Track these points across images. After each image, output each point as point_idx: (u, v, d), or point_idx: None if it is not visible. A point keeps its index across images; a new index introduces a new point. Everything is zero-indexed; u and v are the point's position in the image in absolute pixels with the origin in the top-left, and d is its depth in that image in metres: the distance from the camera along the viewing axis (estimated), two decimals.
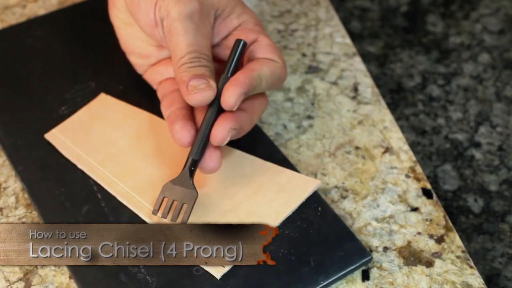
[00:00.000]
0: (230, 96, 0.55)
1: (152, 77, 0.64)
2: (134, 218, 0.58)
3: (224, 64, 0.60)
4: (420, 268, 0.57)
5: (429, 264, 0.58)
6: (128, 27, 0.64)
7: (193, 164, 0.56)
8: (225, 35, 0.61)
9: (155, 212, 0.57)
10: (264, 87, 0.58)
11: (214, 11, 0.59)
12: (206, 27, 0.58)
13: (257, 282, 0.55)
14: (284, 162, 0.62)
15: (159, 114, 0.65)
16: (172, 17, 0.57)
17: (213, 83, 0.56)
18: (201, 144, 0.56)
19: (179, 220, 0.56)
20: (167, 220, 0.56)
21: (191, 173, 0.56)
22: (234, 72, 0.58)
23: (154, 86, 0.64)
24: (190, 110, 0.59)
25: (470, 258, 0.58)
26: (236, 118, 0.57)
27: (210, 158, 0.57)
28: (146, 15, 0.59)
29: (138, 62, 0.65)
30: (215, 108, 0.57)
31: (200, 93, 0.56)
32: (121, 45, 0.66)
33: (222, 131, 0.56)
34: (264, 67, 0.57)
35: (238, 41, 0.58)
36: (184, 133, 0.57)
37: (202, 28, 0.58)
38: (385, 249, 0.58)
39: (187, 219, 0.56)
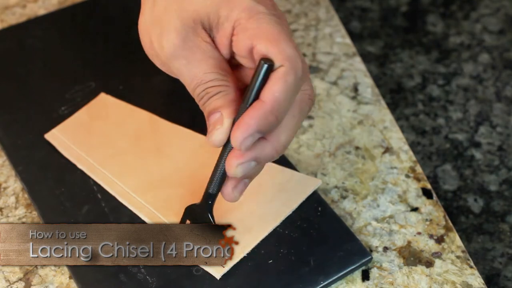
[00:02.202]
0: (236, 140, 0.48)
1: None
2: (134, 218, 0.58)
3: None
4: (420, 268, 0.57)
5: (429, 264, 0.57)
6: None
7: (209, 198, 0.54)
8: (228, 44, 0.52)
9: None
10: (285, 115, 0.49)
11: (200, 25, 0.51)
12: (200, 48, 0.51)
13: (257, 282, 0.55)
14: (284, 162, 0.62)
15: (159, 113, 0.65)
16: (161, 59, 0.53)
17: (226, 120, 0.50)
18: (217, 178, 0.53)
19: None
20: None
21: (208, 206, 0.55)
22: (256, 98, 0.49)
23: None
24: None
25: (470, 258, 0.58)
26: (250, 151, 0.50)
27: (226, 188, 0.53)
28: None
29: None
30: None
31: (210, 135, 0.50)
32: None
33: (233, 165, 0.50)
34: (279, 93, 0.47)
35: (260, 63, 0.48)
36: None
37: (195, 55, 0.51)
38: (385, 249, 0.58)
39: None
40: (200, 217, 0.55)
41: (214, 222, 0.55)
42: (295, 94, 0.49)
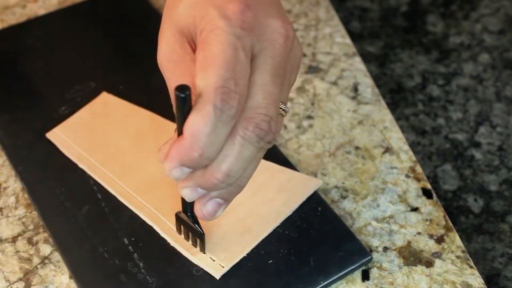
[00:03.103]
0: (165, 170, 0.47)
1: None
2: (134, 218, 0.58)
3: None
4: (420, 268, 0.57)
5: (429, 264, 0.58)
6: None
7: (186, 210, 0.54)
8: None
9: (179, 232, 0.57)
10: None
11: (185, 37, 0.49)
12: (184, 63, 0.49)
13: (257, 282, 0.55)
14: (284, 162, 0.62)
15: (159, 113, 0.65)
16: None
17: (169, 141, 0.48)
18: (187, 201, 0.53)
19: (198, 249, 0.56)
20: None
21: (190, 218, 0.54)
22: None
23: None
24: None
25: (470, 258, 0.58)
26: (191, 178, 0.48)
27: (194, 204, 0.51)
28: None
29: None
30: None
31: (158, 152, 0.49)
32: None
33: (179, 186, 0.49)
34: (196, 126, 0.45)
35: (175, 95, 0.45)
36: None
37: (177, 69, 0.49)
38: (385, 249, 0.58)
39: (204, 251, 0.56)
40: (189, 225, 0.55)
41: (203, 232, 0.55)
42: (221, 126, 0.45)
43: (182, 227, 0.56)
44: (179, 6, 0.49)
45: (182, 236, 0.57)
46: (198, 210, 0.50)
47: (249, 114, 0.47)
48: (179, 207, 0.56)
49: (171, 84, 0.49)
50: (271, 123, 0.47)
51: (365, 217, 0.60)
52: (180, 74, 0.48)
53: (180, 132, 0.46)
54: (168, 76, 0.49)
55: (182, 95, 0.44)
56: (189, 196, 0.49)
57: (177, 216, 0.56)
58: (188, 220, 0.54)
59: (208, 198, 0.50)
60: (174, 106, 0.46)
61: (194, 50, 0.49)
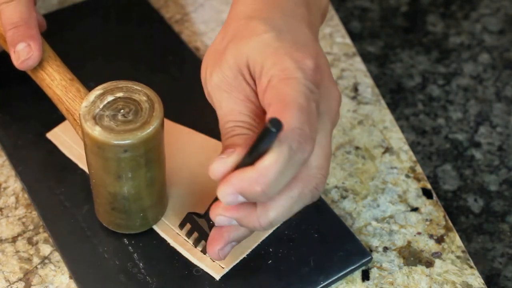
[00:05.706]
0: (218, 190, 0.47)
1: None
2: None
3: None
4: (420, 268, 0.57)
5: (429, 264, 0.58)
6: None
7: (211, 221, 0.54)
8: (261, 96, 0.50)
9: (181, 227, 0.57)
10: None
11: (247, 69, 0.50)
12: (244, 90, 0.50)
13: (257, 282, 0.55)
14: None
15: None
16: (207, 88, 0.52)
17: (234, 156, 0.47)
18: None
19: (199, 249, 0.56)
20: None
21: (209, 221, 0.54)
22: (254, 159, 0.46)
23: None
24: None
25: (470, 258, 0.58)
26: (235, 209, 0.49)
27: (212, 248, 0.52)
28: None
29: None
30: None
31: (213, 162, 0.48)
32: None
33: (215, 212, 0.49)
34: (269, 162, 0.45)
35: (265, 128, 0.43)
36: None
37: (238, 94, 0.50)
38: (385, 249, 0.58)
39: (205, 252, 0.56)
40: (200, 228, 0.55)
41: None
42: (290, 169, 0.46)
43: (188, 225, 0.56)
44: (252, 39, 0.50)
45: (183, 234, 0.56)
46: (215, 253, 0.51)
47: (313, 172, 0.48)
48: (178, 207, 0.56)
49: (228, 104, 0.50)
50: (324, 186, 0.48)
51: (365, 217, 0.60)
52: (241, 99, 0.50)
53: (247, 159, 0.45)
54: (226, 96, 0.50)
55: (274, 130, 0.43)
56: (220, 222, 0.49)
57: (189, 215, 0.55)
58: (204, 225, 0.54)
59: (226, 242, 0.51)
60: (257, 135, 0.45)
61: (255, 83, 0.50)
